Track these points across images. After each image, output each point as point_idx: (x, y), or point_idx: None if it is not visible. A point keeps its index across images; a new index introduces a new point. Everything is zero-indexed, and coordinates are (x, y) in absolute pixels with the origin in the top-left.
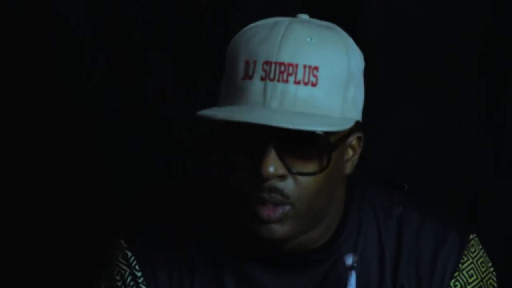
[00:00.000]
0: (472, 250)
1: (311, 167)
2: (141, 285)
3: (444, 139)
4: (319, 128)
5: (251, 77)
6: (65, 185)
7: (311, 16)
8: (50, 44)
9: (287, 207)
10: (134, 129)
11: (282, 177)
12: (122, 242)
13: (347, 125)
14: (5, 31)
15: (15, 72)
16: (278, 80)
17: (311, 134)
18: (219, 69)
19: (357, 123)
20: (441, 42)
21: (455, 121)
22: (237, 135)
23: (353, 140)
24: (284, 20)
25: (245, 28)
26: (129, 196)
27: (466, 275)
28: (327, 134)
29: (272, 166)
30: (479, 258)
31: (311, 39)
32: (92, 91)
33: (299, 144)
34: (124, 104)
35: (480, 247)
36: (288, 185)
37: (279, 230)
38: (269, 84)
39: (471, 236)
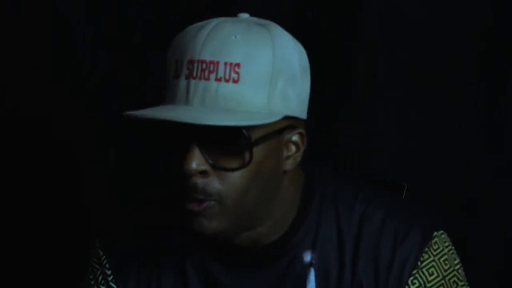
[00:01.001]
0: (435, 247)
1: (234, 163)
2: (110, 283)
3: (444, 139)
4: (231, 123)
5: (178, 77)
6: (65, 185)
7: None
8: (50, 44)
9: (212, 203)
10: (134, 129)
11: (205, 174)
12: (96, 241)
13: (268, 120)
14: (5, 31)
15: (15, 72)
16: (200, 78)
17: (232, 130)
18: None
19: (296, 119)
20: (441, 42)
21: (455, 121)
22: (167, 135)
23: (292, 136)
24: (214, 20)
25: (182, 31)
26: (129, 196)
27: (426, 273)
28: (249, 129)
29: (195, 162)
30: (442, 256)
31: (235, 37)
32: (92, 91)
33: (221, 141)
34: (124, 104)
35: (446, 244)
36: (212, 182)
37: (208, 225)
38: (192, 82)
39: (436, 233)
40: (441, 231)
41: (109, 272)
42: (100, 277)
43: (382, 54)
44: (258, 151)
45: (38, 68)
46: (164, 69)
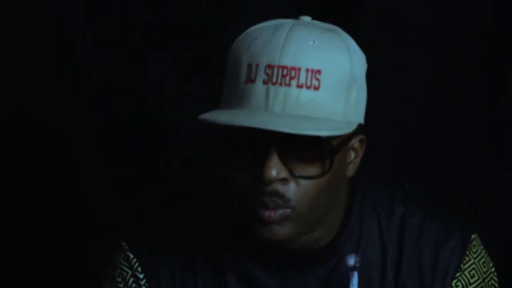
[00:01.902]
0: (474, 250)
1: (313, 170)
2: (143, 287)
3: (444, 139)
4: (322, 133)
5: (253, 81)
6: (65, 185)
7: (311, 16)
8: (50, 44)
9: (288, 210)
10: (134, 129)
11: (284, 181)
12: (124, 244)
13: (349, 129)
14: (5, 31)
15: (15, 72)
16: (281, 84)
17: (314, 138)
18: (218, 69)
19: (359, 125)
20: (441, 42)
21: (455, 121)
22: (239, 139)
23: (355, 142)
24: (287, 23)
25: (247, 31)
26: (129, 196)
27: (468, 275)
28: (330, 137)
29: (275, 169)
30: (480, 258)
31: (313, 42)
32: (92, 91)
33: (301, 148)
34: (124, 104)
35: (482, 247)
36: (290, 188)
37: (281, 231)
38: (272, 87)
39: (473, 236)
40: (476, 234)
41: (141, 276)
42: (131, 280)
43: (382, 54)
44: (335, 159)
45: (38, 68)
46: (230, 72)
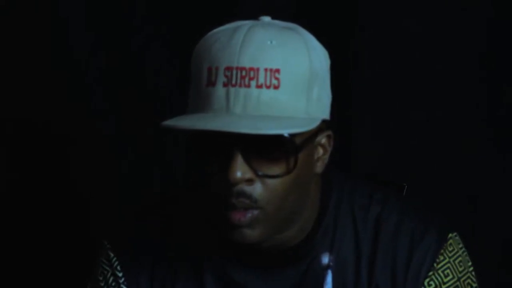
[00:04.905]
0: (450, 249)
1: (278, 169)
2: (122, 286)
3: (444, 139)
4: (283, 131)
5: (214, 84)
6: (64, 186)
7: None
8: (50, 45)
9: (256, 211)
10: (134, 129)
11: (250, 181)
12: (106, 243)
13: (312, 125)
14: (5, 32)
15: (15, 73)
16: (240, 85)
17: (277, 137)
18: None
19: (325, 121)
20: (441, 42)
21: (455, 121)
22: (205, 143)
23: (322, 139)
24: (245, 24)
25: (207, 35)
26: (128, 197)
27: (442, 274)
28: (293, 135)
29: (239, 170)
30: (457, 258)
31: (271, 42)
32: (92, 92)
33: (265, 147)
34: (124, 104)
35: (460, 246)
36: (256, 189)
37: (251, 234)
38: (232, 89)
39: (450, 235)
40: (455, 233)
41: (120, 274)
42: (111, 279)
43: (382, 56)
44: (299, 156)
45: (37, 69)
46: (193, 76)
